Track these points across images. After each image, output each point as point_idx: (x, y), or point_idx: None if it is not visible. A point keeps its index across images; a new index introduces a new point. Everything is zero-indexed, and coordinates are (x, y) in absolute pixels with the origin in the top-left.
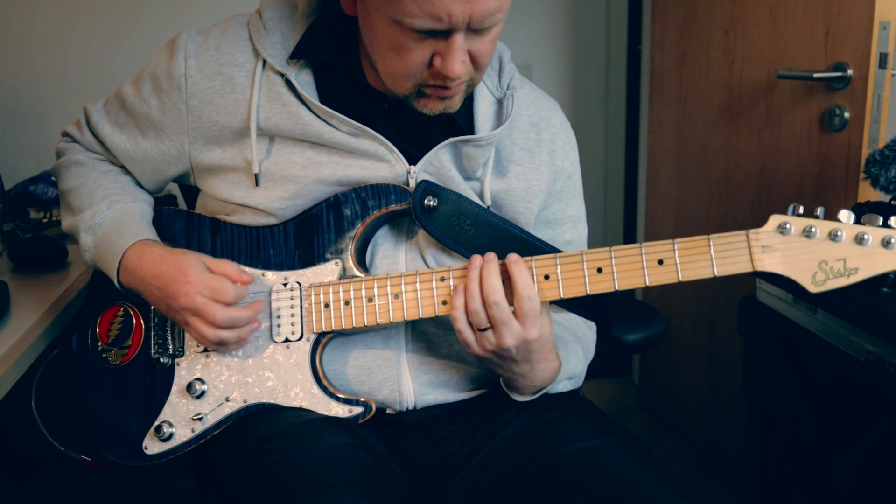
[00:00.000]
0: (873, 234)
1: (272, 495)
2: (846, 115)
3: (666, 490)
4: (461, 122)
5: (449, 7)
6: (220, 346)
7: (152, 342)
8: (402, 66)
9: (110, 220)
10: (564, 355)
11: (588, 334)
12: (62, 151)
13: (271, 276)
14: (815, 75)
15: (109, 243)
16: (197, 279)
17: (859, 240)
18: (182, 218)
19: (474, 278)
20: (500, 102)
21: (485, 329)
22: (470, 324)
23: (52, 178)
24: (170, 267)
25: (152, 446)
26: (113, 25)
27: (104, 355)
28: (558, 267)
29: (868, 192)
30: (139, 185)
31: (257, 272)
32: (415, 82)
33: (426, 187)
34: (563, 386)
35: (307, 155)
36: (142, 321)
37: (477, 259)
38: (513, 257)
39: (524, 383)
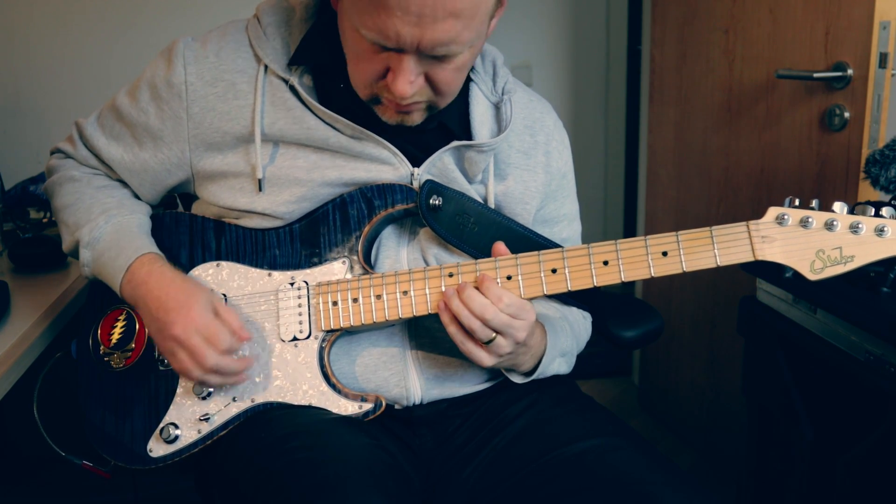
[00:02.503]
0: (867, 223)
1: (299, 495)
2: (846, 114)
3: (673, 489)
4: (458, 127)
5: (398, 28)
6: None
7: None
8: (359, 73)
9: (109, 234)
10: (552, 330)
11: (580, 320)
12: (54, 168)
13: (277, 276)
14: (815, 75)
15: (110, 258)
16: (199, 316)
17: (854, 229)
18: (185, 221)
19: (459, 306)
20: (496, 107)
21: (490, 341)
22: (474, 340)
23: (45, 196)
24: (177, 293)
25: (157, 449)
26: (112, 25)
27: (106, 359)
28: (565, 261)
29: (868, 192)
30: (137, 197)
31: (264, 272)
32: (371, 91)
33: (431, 186)
34: (557, 364)
35: (311, 159)
36: (145, 324)
37: (450, 290)
38: (479, 279)
39: (527, 358)
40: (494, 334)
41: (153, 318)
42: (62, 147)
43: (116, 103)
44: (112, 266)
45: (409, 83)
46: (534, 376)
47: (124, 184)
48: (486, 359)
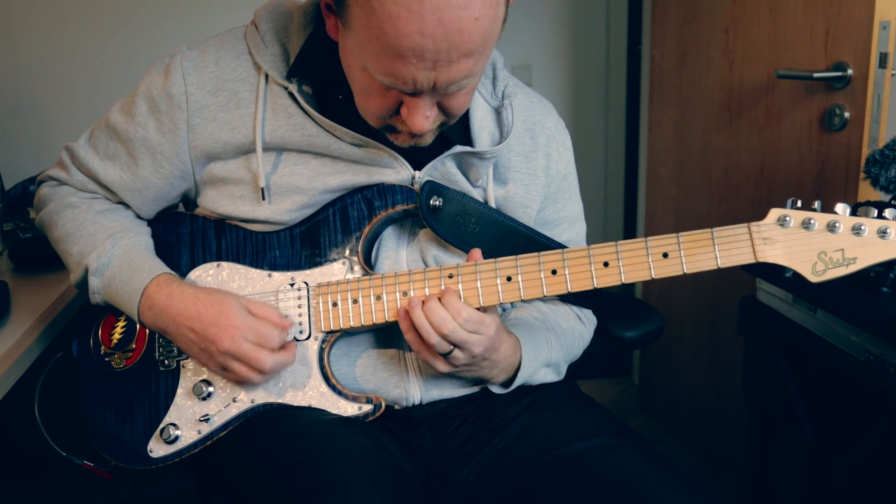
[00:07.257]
0: (869, 224)
1: (302, 495)
2: (846, 114)
3: (673, 489)
4: (457, 132)
5: (414, 74)
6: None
7: (157, 345)
8: (371, 107)
9: (118, 258)
10: (532, 342)
11: (573, 328)
12: (48, 198)
13: (278, 277)
14: (815, 75)
15: (122, 282)
16: (242, 323)
17: (856, 230)
18: (185, 220)
19: (420, 316)
20: (496, 111)
21: (448, 353)
22: (430, 349)
23: (40, 228)
24: (208, 308)
25: (157, 449)
26: (112, 24)
27: (107, 360)
28: (565, 262)
29: (868, 192)
30: (138, 217)
31: (264, 273)
32: (384, 122)
33: (431, 187)
34: (543, 374)
35: (312, 166)
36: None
37: (415, 300)
38: (442, 292)
39: (496, 371)
40: (452, 347)
41: (191, 340)
42: (54, 174)
43: (110, 122)
44: (125, 290)
45: (425, 118)
46: (512, 387)
47: (125, 206)
48: (443, 367)
